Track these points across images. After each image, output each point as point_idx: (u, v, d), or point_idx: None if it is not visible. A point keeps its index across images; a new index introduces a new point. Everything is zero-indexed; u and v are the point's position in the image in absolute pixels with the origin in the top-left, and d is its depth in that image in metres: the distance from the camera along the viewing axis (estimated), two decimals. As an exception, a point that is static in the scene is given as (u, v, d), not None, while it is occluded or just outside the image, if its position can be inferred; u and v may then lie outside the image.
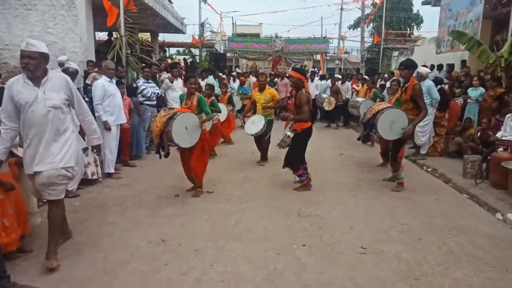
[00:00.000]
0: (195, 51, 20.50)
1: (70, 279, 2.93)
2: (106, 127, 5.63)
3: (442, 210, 4.62)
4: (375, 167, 6.74)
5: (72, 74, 5.72)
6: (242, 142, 8.47)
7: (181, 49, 30.02)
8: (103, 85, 5.67)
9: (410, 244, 3.63)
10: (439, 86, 9.84)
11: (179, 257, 3.26)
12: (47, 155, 3.02)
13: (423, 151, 7.44)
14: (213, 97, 7.18)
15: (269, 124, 6.49)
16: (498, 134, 6.37)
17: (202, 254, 3.32)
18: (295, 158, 5.20)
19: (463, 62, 12.43)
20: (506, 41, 8.17)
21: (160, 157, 4.79)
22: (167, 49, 21.29)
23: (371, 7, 23.95)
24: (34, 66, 2.98)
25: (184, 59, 17.70)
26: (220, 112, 7.20)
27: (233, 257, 3.29)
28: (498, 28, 10.88)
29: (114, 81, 5.98)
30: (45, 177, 3.01)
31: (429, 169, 6.70)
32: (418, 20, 32.02)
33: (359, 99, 9.46)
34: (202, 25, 18.97)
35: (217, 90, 10.24)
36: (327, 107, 11.15)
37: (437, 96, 8.85)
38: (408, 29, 31.24)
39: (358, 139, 7.81)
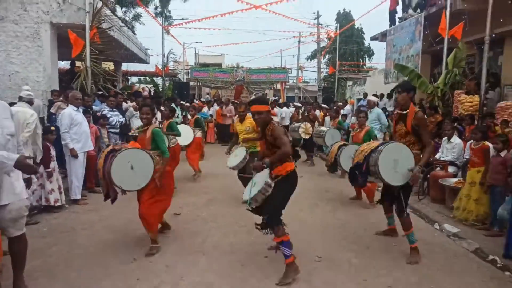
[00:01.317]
0: (158, 80, 20.81)
1: (45, 297, 3.08)
2: (73, 154, 5.78)
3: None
4: (331, 188, 7.28)
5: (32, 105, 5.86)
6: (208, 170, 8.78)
7: (142, 78, 30.20)
8: (70, 114, 5.85)
9: (359, 251, 4.10)
10: (386, 113, 10.83)
11: (151, 273, 3.49)
12: (7, 187, 2.84)
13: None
14: (172, 120, 6.86)
15: (253, 156, 5.69)
16: (437, 155, 7.17)
17: (173, 269, 3.58)
18: (276, 212, 3.51)
19: (408, 92, 13.66)
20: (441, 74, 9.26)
21: (105, 200, 4.13)
22: (129, 78, 21.40)
23: (326, 40, 25.61)
24: None
25: (149, 88, 17.91)
26: (179, 135, 6.67)
27: (201, 270, 3.58)
28: (436, 62, 12.18)
29: (81, 110, 6.18)
30: (14, 211, 2.88)
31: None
32: (369, 52, 34.45)
33: (324, 128, 9.31)
34: (166, 56, 19.40)
35: (179, 118, 10.41)
36: (303, 135, 9.82)
37: (385, 122, 9.76)
38: (360, 60, 33.47)
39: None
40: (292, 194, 3.63)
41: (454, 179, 6.02)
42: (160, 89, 19.28)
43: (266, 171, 3.57)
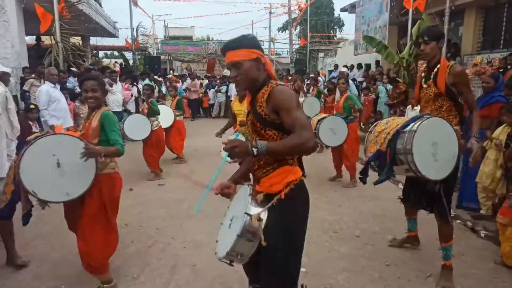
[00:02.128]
0: (127, 54, 20.35)
1: (47, 261, 3.34)
2: (53, 130, 5.85)
3: (358, 185, 5.65)
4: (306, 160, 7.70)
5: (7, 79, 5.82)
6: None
7: (109, 52, 29.26)
8: (48, 90, 5.88)
9: (331, 210, 4.56)
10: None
11: (143, 235, 3.81)
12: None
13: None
14: (153, 98, 6.46)
15: None
16: (402, 122, 7.71)
17: (163, 231, 3.91)
18: (287, 276, 1.93)
19: (377, 63, 14.18)
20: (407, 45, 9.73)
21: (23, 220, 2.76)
22: (98, 53, 20.79)
23: (298, 12, 25.59)
24: None
25: (120, 63, 17.54)
26: (158, 114, 6.22)
27: (190, 231, 3.93)
28: (403, 33, 12.66)
29: (58, 86, 6.20)
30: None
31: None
32: (340, 23, 34.69)
33: (301, 99, 8.80)
34: (136, 29, 18.92)
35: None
36: None
37: (356, 92, 10.22)
38: (331, 32, 33.70)
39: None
40: (305, 230, 1.99)
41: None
42: (131, 64, 18.93)
43: (246, 188, 2.00)
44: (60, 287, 2.92)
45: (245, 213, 1.82)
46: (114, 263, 3.24)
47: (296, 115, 1.79)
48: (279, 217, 1.87)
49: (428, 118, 2.71)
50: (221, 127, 5.34)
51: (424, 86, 3.01)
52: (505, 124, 3.84)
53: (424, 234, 3.73)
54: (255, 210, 1.84)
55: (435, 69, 2.93)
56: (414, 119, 2.77)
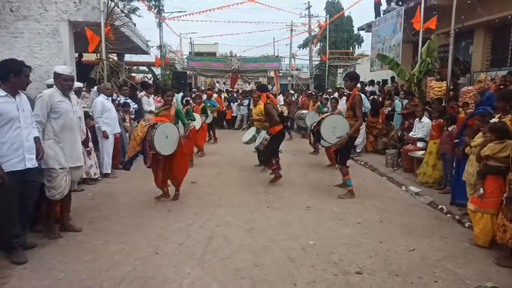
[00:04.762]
0: (155, 70, 21.76)
1: (110, 233, 4.26)
2: (105, 135, 6.90)
3: (365, 186, 6.42)
4: (317, 160, 8.50)
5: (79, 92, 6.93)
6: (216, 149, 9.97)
7: (134, 67, 30.94)
8: (102, 101, 6.95)
9: (339, 204, 5.35)
10: (372, 97, 12.01)
11: (184, 217, 4.70)
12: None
13: (358, 150, 9.37)
14: (188, 107, 8.06)
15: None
16: (410, 134, 8.42)
17: (200, 215, 4.80)
18: (269, 156, 6.51)
19: (392, 79, 14.88)
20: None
21: (126, 169, 5.45)
22: (132, 68, 22.33)
23: (317, 29, 26.62)
24: None
25: (150, 78, 18.89)
26: (194, 119, 7.91)
27: (221, 215, 4.81)
28: (417, 51, 13.36)
29: (109, 98, 7.29)
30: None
31: (361, 163, 8.59)
32: (359, 40, 35.52)
33: (304, 111, 10.27)
34: (163, 47, 20.33)
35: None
36: None
37: (368, 106, 10.93)
38: (351, 48, 34.54)
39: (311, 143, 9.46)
40: (280, 144, 6.65)
41: (421, 152, 7.26)
42: (159, 79, 20.29)
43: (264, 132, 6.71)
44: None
45: (263, 137, 6.59)
46: (163, 235, 4.14)
47: (270, 112, 6.44)
48: (272, 139, 6.47)
49: (332, 114, 6.40)
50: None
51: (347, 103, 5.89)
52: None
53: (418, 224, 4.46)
54: (267, 135, 6.52)
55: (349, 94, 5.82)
56: (330, 114, 6.33)
